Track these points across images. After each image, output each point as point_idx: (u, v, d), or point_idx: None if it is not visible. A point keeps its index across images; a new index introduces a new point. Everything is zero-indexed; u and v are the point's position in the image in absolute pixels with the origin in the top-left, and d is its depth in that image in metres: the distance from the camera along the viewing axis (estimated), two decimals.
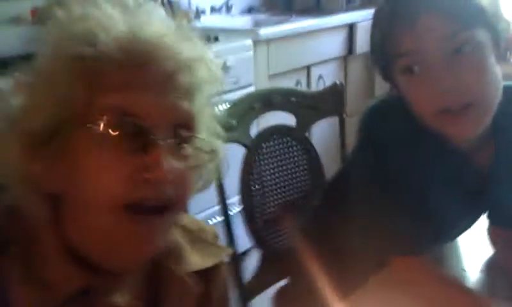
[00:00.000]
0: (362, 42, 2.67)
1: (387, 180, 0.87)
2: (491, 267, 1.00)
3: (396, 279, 0.90)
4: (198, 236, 0.73)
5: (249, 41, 2.19)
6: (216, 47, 2.00)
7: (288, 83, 2.31)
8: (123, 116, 0.54)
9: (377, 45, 0.88)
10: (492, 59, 0.81)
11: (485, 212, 0.99)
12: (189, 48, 0.58)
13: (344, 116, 1.38)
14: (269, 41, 2.28)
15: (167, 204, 0.57)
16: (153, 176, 0.54)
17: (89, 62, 0.54)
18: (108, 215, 0.55)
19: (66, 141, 0.55)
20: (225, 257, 0.76)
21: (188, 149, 0.59)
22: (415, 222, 0.86)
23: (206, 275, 0.71)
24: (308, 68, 2.51)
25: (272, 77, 2.29)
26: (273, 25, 2.42)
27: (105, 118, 0.54)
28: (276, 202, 1.30)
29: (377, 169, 0.89)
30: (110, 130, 0.54)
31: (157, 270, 0.68)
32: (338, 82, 1.38)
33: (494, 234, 1.01)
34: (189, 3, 2.56)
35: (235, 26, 2.51)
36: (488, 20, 0.81)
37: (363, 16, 2.65)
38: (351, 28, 2.69)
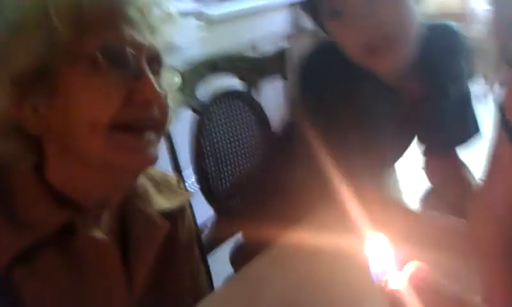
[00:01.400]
0: (305, 19, 2.75)
1: (328, 117, 0.93)
2: (429, 197, 1.07)
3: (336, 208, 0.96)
4: (162, 182, 0.78)
5: (195, 22, 2.22)
6: None
7: None
8: (109, 49, 0.60)
9: None
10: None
11: (412, 139, 1.06)
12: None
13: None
14: (214, 21, 2.32)
15: (153, 126, 0.64)
16: (145, 97, 0.62)
17: (74, 4, 0.59)
18: (102, 136, 0.60)
19: (55, 80, 0.60)
20: (188, 200, 0.81)
21: (159, 80, 0.65)
22: (357, 154, 0.93)
23: (172, 216, 0.76)
24: (254, 49, 2.56)
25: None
26: (218, 6, 2.46)
27: (94, 52, 0.59)
28: (228, 163, 1.34)
29: (317, 109, 0.94)
30: (101, 62, 0.59)
31: (126, 210, 0.72)
32: (280, 47, 1.44)
33: (429, 166, 1.09)
34: None
35: (180, 9, 2.54)
36: None
37: None
38: (295, 6, 2.76)
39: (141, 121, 0.63)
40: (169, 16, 0.68)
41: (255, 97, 1.38)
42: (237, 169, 1.36)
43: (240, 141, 1.36)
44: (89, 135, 0.60)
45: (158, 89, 0.63)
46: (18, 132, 0.61)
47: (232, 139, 1.35)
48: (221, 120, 1.33)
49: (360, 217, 0.76)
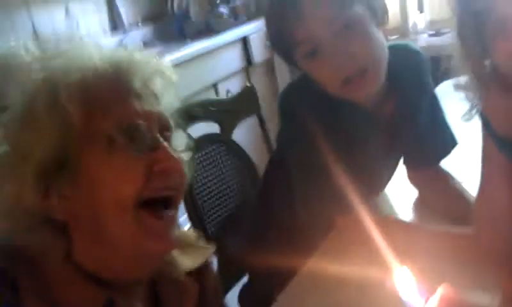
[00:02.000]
0: (257, 52, 2.84)
1: (316, 149, 0.97)
2: (419, 205, 1.12)
3: (343, 237, 1.00)
4: (183, 241, 0.79)
5: None
6: None
7: None
8: (123, 124, 0.61)
9: (275, 39, 0.99)
10: (373, 28, 0.94)
11: (400, 158, 1.12)
12: (151, 59, 0.67)
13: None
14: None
15: (175, 194, 0.65)
16: (165, 167, 0.63)
17: (82, 87, 0.60)
18: (130, 216, 0.61)
19: (76, 165, 0.60)
20: (211, 254, 0.83)
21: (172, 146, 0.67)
22: (349, 182, 0.97)
23: (198, 274, 0.77)
24: (215, 87, 2.61)
25: (183, 101, 2.36)
26: (171, 53, 2.49)
27: (108, 130, 0.60)
28: (220, 206, 1.36)
29: (305, 141, 0.98)
30: (117, 140, 0.61)
31: (156, 277, 0.73)
32: (248, 84, 1.49)
33: (413, 177, 1.15)
34: None
35: None
36: None
37: (252, 29, 2.83)
38: (245, 41, 2.83)
39: (164, 192, 0.64)
40: (171, 83, 0.69)
41: (231, 139, 1.42)
42: (225, 210, 1.38)
43: (227, 183, 1.39)
44: (117, 216, 0.61)
45: (175, 156, 0.64)
46: (46, 222, 0.61)
47: (218, 183, 1.37)
48: (204, 166, 1.35)
49: (376, 244, 0.79)
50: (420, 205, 1.12)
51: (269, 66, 2.96)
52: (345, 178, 0.95)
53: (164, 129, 0.66)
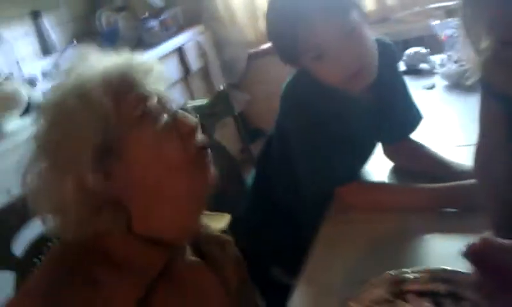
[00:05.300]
0: (193, 60, 2.94)
1: (323, 128, 1.12)
2: (395, 173, 1.31)
3: (345, 205, 1.15)
4: None
5: None
6: None
7: None
8: (149, 104, 0.74)
9: (284, 49, 1.13)
10: (366, 28, 1.11)
11: (380, 135, 1.30)
12: (143, 58, 0.81)
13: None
14: None
15: None
16: (190, 127, 0.77)
17: (113, 81, 0.73)
18: (184, 171, 0.74)
19: (121, 147, 0.72)
20: (229, 218, 0.97)
21: None
22: (346, 155, 1.13)
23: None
24: None
25: None
26: None
27: (138, 110, 0.73)
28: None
29: (313, 122, 1.12)
30: (147, 117, 0.73)
31: (197, 240, 0.87)
32: (222, 87, 1.61)
33: (389, 151, 1.33)
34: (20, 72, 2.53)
35: None
36: (354, 2, 1.10)
37: (184, 39, 2.93)
38: (180, 52, 2.92)
39: (199, 146, 0.78)
40: (162, 76, 0.82)
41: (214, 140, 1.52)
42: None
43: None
44: (174, 175, 0.74)
45: (192, 117, 0.79)
46: (105, 203, 0.72)
47: None
48: None
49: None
50: (399, 171, 1.30)
51: (204, 72, 3.06)
52: (348, 152, 1.11)
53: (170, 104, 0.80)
